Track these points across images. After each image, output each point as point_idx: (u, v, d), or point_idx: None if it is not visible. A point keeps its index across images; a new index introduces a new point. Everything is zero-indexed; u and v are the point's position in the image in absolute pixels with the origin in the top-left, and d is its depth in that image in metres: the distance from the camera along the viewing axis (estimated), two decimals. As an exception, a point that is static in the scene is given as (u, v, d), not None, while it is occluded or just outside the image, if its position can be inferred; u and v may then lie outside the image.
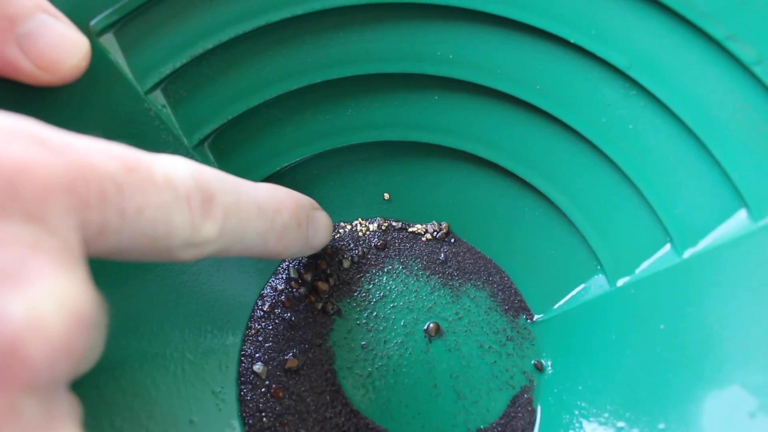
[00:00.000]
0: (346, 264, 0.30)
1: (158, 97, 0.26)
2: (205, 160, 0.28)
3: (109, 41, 0.24)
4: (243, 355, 0.28)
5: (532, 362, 0.29)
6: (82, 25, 0.23)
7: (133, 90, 0.25)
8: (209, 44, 0.26)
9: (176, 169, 0.18)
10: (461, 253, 0.31)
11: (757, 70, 0.22)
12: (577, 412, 0.27)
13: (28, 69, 0.21)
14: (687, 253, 0.25)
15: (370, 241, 0.31)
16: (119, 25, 0.24)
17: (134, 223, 0.16)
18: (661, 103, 0.25)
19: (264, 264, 0.30)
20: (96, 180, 0.15)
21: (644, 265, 0.27)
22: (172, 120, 0.26)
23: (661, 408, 0.23)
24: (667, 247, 0.26)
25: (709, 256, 0.24)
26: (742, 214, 0.23)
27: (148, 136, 0.26)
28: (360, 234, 0.31)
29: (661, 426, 0.23)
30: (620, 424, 0.25)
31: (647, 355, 0.25)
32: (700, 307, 0.24)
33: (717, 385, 0.22)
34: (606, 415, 0.25)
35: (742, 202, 0.23)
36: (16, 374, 0.12)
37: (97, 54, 0.23)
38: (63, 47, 0.21)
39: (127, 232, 0.16)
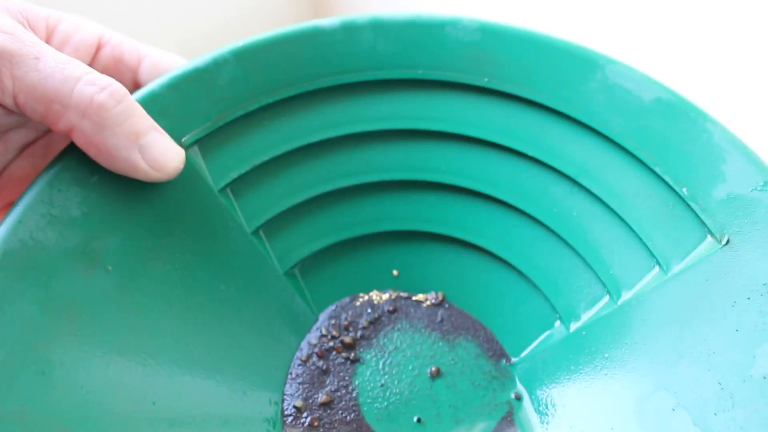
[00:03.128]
0: (366, 324, 0.35)
1: (227, 194, 0.31)
2: (261, 243, 0.33)
3: (194, 152, 0.29)
4: (286, 394, 0.33)
5: (512, 394, 0.33)
6: (177, 140, 0.28)
7: (210, 189, 0.30)
8: (266, 157, 0.32)
9: None
10: (454, 315, 0.36)
11: (657, 169, 0.29)
12: (549, 428, 0.32)
13: (145, 169, 0.26)
14: (620, 301, 0.30)
15: (383, 307, 0.36)
16: (202, 142, 0.29)
17: None
18: (595, 197, 0.32)
19: (300, 325, 0.35)
20: None
21: (591, 312, 0.32)
22: (237, 211, 0.32)
23: (617, 416, 0.29)
24: (606, 298, 0.31)
25: (636, 302, 0.29)
26: (656, 270, 0.29)
27: (218, 223, 0.31)
28: (375, 302, 0.36)
29: (611, 427, 0.29)
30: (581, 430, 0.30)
31: (598, 378, 0.30)
32: (633, 339, 0.29)
33: (651, 391, 0.27)
34: (570, 427, 0.30)
35: (655, 261, 0.29)
36: None
37: (186, 162, 0.28)
38: (168, 154, 0.26)
39: None
